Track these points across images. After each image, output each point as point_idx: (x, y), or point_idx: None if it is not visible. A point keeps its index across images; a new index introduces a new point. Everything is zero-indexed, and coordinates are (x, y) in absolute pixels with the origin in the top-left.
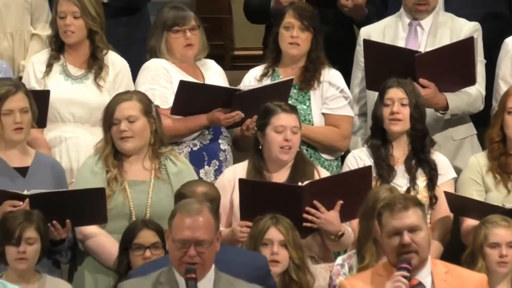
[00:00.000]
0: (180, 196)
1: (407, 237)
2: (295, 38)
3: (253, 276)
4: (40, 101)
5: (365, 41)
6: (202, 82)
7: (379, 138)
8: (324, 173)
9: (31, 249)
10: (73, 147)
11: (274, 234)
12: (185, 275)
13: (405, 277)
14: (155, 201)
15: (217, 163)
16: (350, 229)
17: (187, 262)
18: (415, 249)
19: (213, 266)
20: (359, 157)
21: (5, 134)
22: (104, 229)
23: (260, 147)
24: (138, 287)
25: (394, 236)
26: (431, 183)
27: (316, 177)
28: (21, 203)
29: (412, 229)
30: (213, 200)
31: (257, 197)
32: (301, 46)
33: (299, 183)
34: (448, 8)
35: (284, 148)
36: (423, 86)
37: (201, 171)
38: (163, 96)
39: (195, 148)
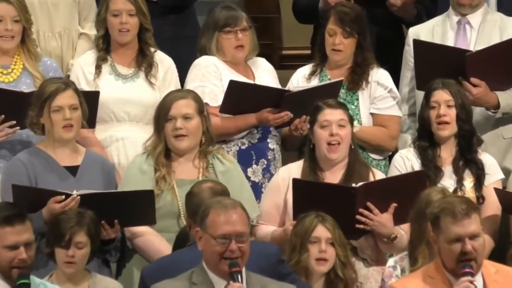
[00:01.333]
0: (188, 194)
1: (469, 246)
2: (337, 45)
3: (263, 265)
4: (89, 102)
5: (415, 41)
6: (251, 83)
7: (426, 140)
8: (379, 175)
9: (80, 253)
10: (130, 145)
11: (321, 232)
12: (229, 269)
13: (471, 282)
14: None
15: (265, 162)
16: (403, 232)
17: (228, 257)
18: (474, 256)
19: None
20: (406, 157)
21: (55, 131)
22: (153, 228)
23: (312, 146)
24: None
25: (455, 243)
26: (478, 184)
27: (371, 178)
28: (66, 199)
29: (473, 237)
30: (220, 194)
31: (311, 197)
32: (344, 52)
33: (353, 185)
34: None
35: (331, 145)
36: (474, 85)
37: (249, 170)
38: (213, 94)
39: (243, 147)
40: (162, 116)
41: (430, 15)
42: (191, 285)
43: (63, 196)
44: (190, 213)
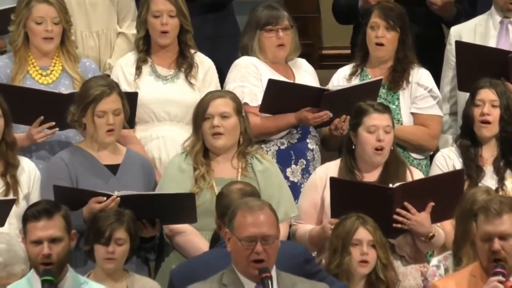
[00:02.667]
0: (218, 196)
1: (497, 245)
2: (380, 38)
3: (290, 265)
4: (128, 103)
5: (457, 42)
6: (290, 81)
7: (468, 139)
8: (416, 173)
9: (120, 249)
10: (171, 143)
11: (363, 234)
12: (259, 274)
13: (500, 282)
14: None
15: (305, 163)
16: (441, 230)
17: (254, 259)
18: (503, 256)
19: (274, 266)
20: (448, 156)
21: (98, 135)
22: (191, 226)
23: (353, 147)
24: None
25: (486, 242)
26: None
27: (409, 177)
28: (107, 199)
29: (504, 237)
30: (250, 195)
31: (348, 196)
32: (387, 46)
33: (390, 185)
34: None
35: (377, 150)
36: None
37: (288, 170)
38: (252, 93)
39: (282, 147)
40: (200, 114)
41: (468, 17)
42: (221, 286)
43: (105, 198)
44: (219, 214)
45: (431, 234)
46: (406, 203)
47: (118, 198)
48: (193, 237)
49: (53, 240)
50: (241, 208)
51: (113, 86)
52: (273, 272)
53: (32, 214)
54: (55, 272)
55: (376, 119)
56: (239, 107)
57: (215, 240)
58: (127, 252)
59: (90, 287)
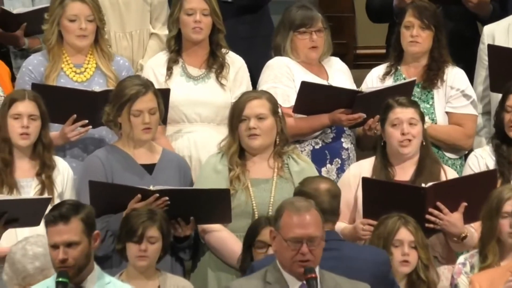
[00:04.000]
0: (301, 194)
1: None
2: (415, 37)
3: (377, 272)
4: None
5: (489, 46)
6: (323, 84)
7: (501, 137)
8: (450, 173)
9: (152, 247)
10: (202, 146)
11: (404, 235)
12: (305, 275)
13: None
14: (277, 200)
15: (339, 162)
16: (474, 230)
17: (300, 260)
18: None
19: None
20: (481, 156)
21: (134, 134)
22: (227, 228)
23: (382, 143)
24: (247, 286)
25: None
26: None
27: (443, 176)
28: (144, 198)
29: None
30: (336, 196)
31: (380, 196)
32: (422, 44)
33: (423, 184)
34: None
35: (403, 142)
36: None
37: (323, 169)
38: (285, 94)
39: (317, 147)
40: (236, 116)
41: (499, 17)
42: (265, 284)
43: (140, 196)
44: None
45: (463, 235)
46: (438, 203)
47: (157, 195)
48: (227, 238)
49: (69, 245)
50: (287, 208)
51: (148, 85)
52: (317, 272)
53: (49, 219)
54: (73, 274)
55: (399, 113)
56: (275, 108)
57: (250, 237)
58: (159, 250)
59: (116, 287)
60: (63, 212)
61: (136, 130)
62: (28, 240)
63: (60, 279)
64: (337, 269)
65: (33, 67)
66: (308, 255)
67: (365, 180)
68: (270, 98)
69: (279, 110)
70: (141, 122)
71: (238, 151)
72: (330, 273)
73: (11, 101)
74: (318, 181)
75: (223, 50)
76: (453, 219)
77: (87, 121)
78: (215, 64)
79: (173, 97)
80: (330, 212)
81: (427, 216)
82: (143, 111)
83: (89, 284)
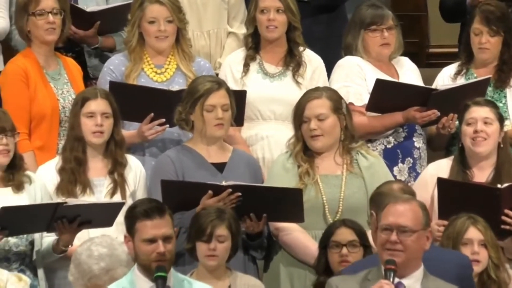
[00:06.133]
0: (377, 195)
1: None
2: (484, 43)
3: (459, 275)
4: (237, 101)
5: None
6: (398, 81)
7: None
8: None
9: (221, 246)
10: (275, 144)
11: (474, 234)
12: (385, 265)
13: None
14: (347, 195)
15: (411, 161)
16: None
17: (388, 248)
18: None
19: (421, 267)
20: None
21: (206, 129)
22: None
23: (461, 144)
24: (346, 282)
25: None
26: None
27: None
28: (224, 194)
29: None
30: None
31: (456, 197)
32: (491, 50)
33: (498, 185)
34: None
35: (475, 140)
36: None
37: (395, 168)
38: (357, 93)
39: (389, 146)
40: (297, 117)
41: None
42: (365, 280)
43: (211, 192)
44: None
45: None
46: None
47: (230, 190)
48: (299, 235)
49: (166, 238)
50: (389, 200)
51: (221, 83)
52: (419, 273)
53: (144, 213)
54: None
55: (474, 112)
56: (337, 104)
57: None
58: (229, 249)
59: (190, 283)
60: (158, 206)
61: (209, 125)
62: (93, 241)
63: (159, 274)
64: None
65: (114, 66)
66: (397, 245)
67: (440, 181)
68: (331, 96)
69: (343, 106)
70: (214, 117)
71: (302, 150)
72: (436, 278)
73: (83, 99)
74: (392, 182)
75: (301, 48)
76: None
77: (164, 120)
78: (292, 62)
79: (248, 94)
80: None
81: (503, 218)
82: (216, 106)
83: (170, 280)
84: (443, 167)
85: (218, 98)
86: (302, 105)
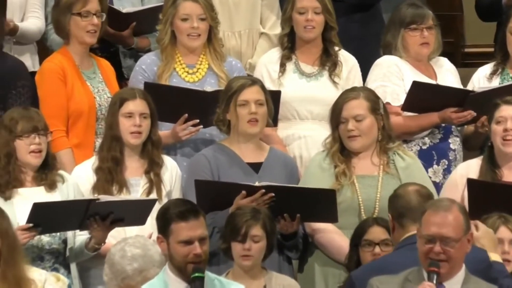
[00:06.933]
0: (394, 196)
1: None
2: None
3: (477, 269)
4: (272, 101)
5: None
6: (435, 83)
7: None
8: None
9: (256, 246)
10: (312, 143)
11: (504, 233)
12: (428, 267)
13: None
14: (384, 196)
15: (446, 163)
16: None
17: (431, 258)
18: None
19: (463, 268)
20: None
21: (240, 126)
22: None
23: (490, 144)
24: (387, 282)
25: None
26: None
27: None
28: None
29: None
30: (426, 197)
31: (485, 197)
32: None
33: None
34: None
35: (505, 139)
36: None
37: (430, 170)
38: (395, 93)
39: (424, 147)
40: (334, 117)
41: None
42: (406, 281)
43: (245, 192)
44: (396, 215)
45: None
46: None
47: (263, 190)
48: (335, 236)
49: (201, 239)
50: (429, 207)
51: (255, 80)
52: (461, 275)
53: (179, 214)
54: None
55: (503, 110)
56: (375, 105)
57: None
58: (264, 249)
59: (221, 282)
60: (192, 208)
61: (242, 121)
62: (126, 241)
63: (196, 274)
64: None
65: (146, 66)
66: (441, 255)
67: (470, 181)
68: (368, 96)
69: (381, 106)
70: (247, 112)
71: (339, 150)
72: (478, 279)
73: (121, 100)
74: (409, 184)
75: (336, 48)
76: None
77: (198, 120)
78: (328, 61)
79: (285, 94)
80: (418, 211)
81: None
82: (249, 101)
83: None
84: (472, 167)
85: (251, 94)
86: (340, 106)
